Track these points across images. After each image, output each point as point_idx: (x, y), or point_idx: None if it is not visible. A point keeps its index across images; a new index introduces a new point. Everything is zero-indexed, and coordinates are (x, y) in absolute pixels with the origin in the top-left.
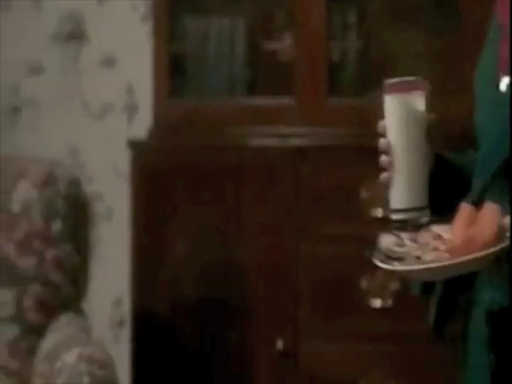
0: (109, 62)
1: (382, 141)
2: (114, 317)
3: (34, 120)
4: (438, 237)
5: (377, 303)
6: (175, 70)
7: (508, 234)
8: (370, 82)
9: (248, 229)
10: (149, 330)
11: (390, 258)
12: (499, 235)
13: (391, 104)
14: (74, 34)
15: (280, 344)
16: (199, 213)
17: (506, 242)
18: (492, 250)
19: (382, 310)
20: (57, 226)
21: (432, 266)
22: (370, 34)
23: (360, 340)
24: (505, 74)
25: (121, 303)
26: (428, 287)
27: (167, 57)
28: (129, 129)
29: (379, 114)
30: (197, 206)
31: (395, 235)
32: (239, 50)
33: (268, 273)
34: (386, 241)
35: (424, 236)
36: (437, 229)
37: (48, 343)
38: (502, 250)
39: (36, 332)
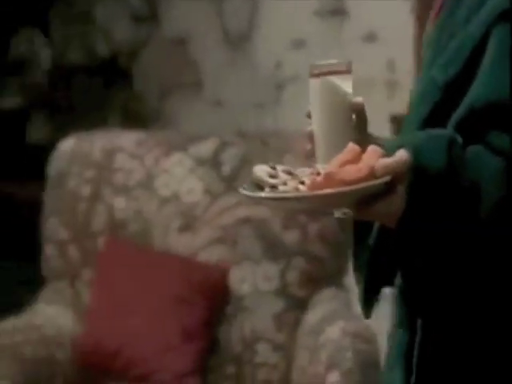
0: (370, 37)
1: (306, 128)
2: None
3: (297, 94)
4: (317, 174)
5: None
6: None
7: (383, 178)
8: None
9: None
10: None
11: (259, 187)
12: (362, 179)
13: (314, 88)
14: (337, 10)
15: None
16: None
17: (366, 185)
18: (336, 190)
19: None
20: None
21: (272, 195)
22: None
23: None
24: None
25: None
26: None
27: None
28: (389, 104)
29: None
30: None
31: (271, 166)
32: None
33: None
34: (259, 171)
35: (303, 171)
36: (320, 166)
37: (312, 317)
38: (352, 192)
39: (300, 306)
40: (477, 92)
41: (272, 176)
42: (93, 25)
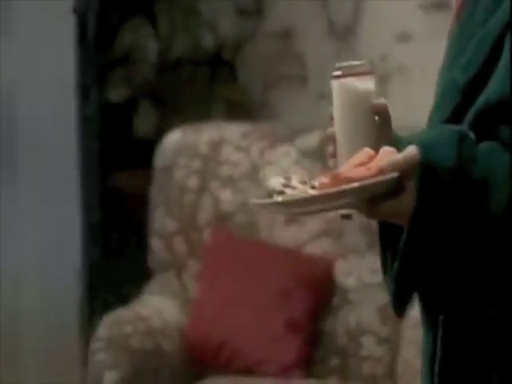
0: None
1: (328, 130)
2: None
3: (403, 88)
4: None
5: None
6: None
7: (391, 174)
8: None
9: None
10: None
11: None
12: (370, 177)
13: (336, 89)
14: (442, 3)
15: None
16: None
17: (372, 181)
18: (343, 187)
19: None
20: None
21: (279, 200)
22: None
23: None
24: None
25: None
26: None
27: None
28: None
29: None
30: None
31: (285, 177)
32: None
33: None
34: (273, 182)
35: (319, 178)
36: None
37: (416, 309)
38: (358, 188)
39: None
40: (492, 89)
41: (285, 186)
42: (198, 18)
